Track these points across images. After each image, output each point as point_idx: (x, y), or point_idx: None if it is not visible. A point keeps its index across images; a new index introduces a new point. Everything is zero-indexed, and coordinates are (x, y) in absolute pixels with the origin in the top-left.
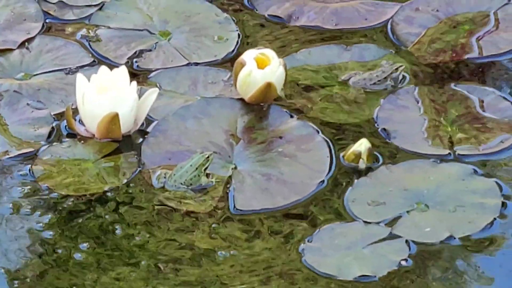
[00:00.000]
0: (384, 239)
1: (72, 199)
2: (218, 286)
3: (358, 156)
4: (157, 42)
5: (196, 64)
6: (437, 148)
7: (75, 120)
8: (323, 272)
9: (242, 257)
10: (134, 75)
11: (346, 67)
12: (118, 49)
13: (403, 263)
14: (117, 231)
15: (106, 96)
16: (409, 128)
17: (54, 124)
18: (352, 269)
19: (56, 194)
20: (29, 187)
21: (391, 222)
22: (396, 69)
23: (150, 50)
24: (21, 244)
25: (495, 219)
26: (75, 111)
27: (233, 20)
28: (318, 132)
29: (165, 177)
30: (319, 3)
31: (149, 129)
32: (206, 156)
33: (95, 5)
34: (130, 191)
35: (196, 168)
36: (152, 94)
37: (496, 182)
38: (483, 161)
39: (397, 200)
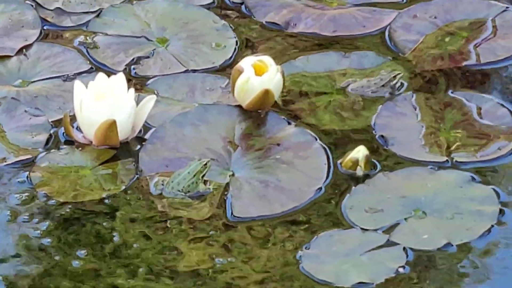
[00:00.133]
0: (381, 246)
1: (69, 206)
2: None
3: (355, 163)
4: (154, 49)
5: (194, 71)
6: (434, 155)
7: (73, 127)
8: (321, 279)
9: (239, 264)
10: (131, 82)
11: (344, 74)
12: (115, 56)
13: (401, 270)
14: (114, 238)
15: (103, 103)
16: (406, 135)
17: (52, 131)
18: (350, 276)
19: (53, 201)
20: (26, 194)
21: (389, 229)
22: (394, 76)
23: (147, 57)
24: (18, 251)
25: (492, 226)
26: (73, 118)
27: (231, 27)
28: (316, 139)
29: (162, 184)
30: (317, 10)
31: (146, 136)
32: (204, 163)
33: (92, 12)
34: (128, 198)
35: (194, 175)
36: (149, 101)
37: (494, 189)
38: (480, 168)
39: (394, 207)
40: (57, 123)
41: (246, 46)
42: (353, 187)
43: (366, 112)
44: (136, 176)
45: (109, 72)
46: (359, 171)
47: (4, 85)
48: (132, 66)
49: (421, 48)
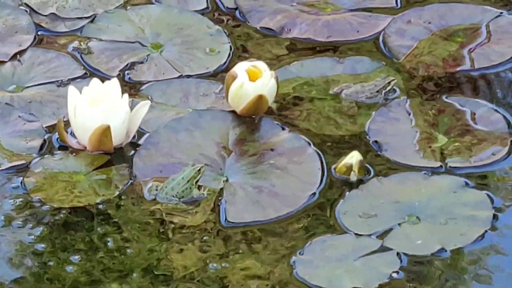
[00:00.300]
0: (375, 252)
1: (64, 212)
2: None
3: (349, 168)
4: (148, 55)
5: (188, 76)
6: (428, 161)
7: (67, 132)
8: (314, 284)
9: (233, 270)
10: (126, 87)
11: (338, 80)
12: (109, 61)
13: (395, 275)
14: (109, 244)
15: (97, 109)
16: (400, 141)
17: (46, 137)
18: (344, 281)
19: (48, 206)
20: (20, 199)
21: (383, 235)
22: (389, 82)
23: (141, 63)
24: (12, 257)
25: (486, 231)
26: (67, 124)
27: (225, 33)
28: (310, 145)
29: (156, 190)
30: (311, 15)
31: (140, 142)
32: (198, 168)
33: (86, 18)
34: (122, 203)
35: (188, 181)
36: (143, 106)
37: (488, 195)
38: (474, 173)
39: (388, 213)
40: (51, 129)
41: (240, 52)
42: (347, 193)
43: (360, 118)
44: (130, 181)
45: (103, 78)
46: (353, 177)
47: None
48: (126, 72)
49: (415, 54)
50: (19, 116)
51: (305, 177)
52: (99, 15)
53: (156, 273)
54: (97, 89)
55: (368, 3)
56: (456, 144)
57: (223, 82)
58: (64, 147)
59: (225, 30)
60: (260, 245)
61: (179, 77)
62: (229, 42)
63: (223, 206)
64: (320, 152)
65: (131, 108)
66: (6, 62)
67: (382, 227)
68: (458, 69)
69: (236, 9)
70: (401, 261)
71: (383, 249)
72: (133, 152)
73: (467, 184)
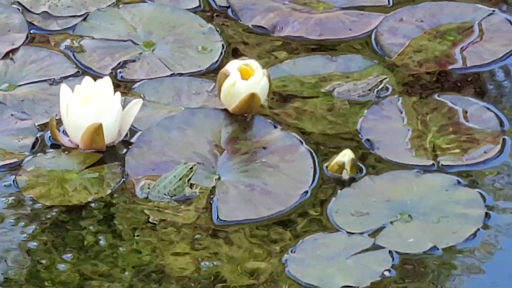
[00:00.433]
0: (367, 250)
1: (56, 210)
2: None
3: (341, 166)
4: (141, 53)
5: (180, 74)
6: (420, 159)
7: (59, 130)
8: (306, 282)
9: (225, 268)
10: (118, 85)
11: (331, 78)
12: (102, 59)
13: (386, 273)
14: (101, 242)
15: (90, 107)
16: (392, 139)
17: (38, 135)
18: (335, 279)
19: (40, 204)
20: (13, 197)
21: (375, 233)
22: (381, 81)
23: (134, 61)
24: (4, 255)
25: (478, 229)
26: (59, 122)
27: (217, 31)
28: (302, 143)
29: (149, 188)
30: (303, 13)
31: (133, 140)
32: (190, 166)
33: (79, 16)
34: (114, 201)
35: (180, 179)
36: (136, 104)
37: (480, 193)
38: (466, 171)
39: (380, 211)
40: (44, 127)
41: (233, 50)
42: (339, 191)
43: (352, 116)
44: (122, 179)
45: (96, 76)
46: (345, 175)
47: None
48: (119, 70)
49: (407, 52)
50: (11, 115)
51: (297, 175)
52: (91, 14)
53: (148, 271)
54: (89, 88)
55: (360, 1)
56: (448, 142)
57: (215, 81)
58: (56, 146)
59: (217, 29)
60: (252, 244)
61: (171, 75)
62: (221, 41)
63: (215, 204)
64: (312, 151)
65: (124, 106)
66: None
67: (374, 225)
68: (450, 67)
69: (228, 7)
70: (393, 259)
71: (375, 247)
72: (125, 150)
73: (459, 182)
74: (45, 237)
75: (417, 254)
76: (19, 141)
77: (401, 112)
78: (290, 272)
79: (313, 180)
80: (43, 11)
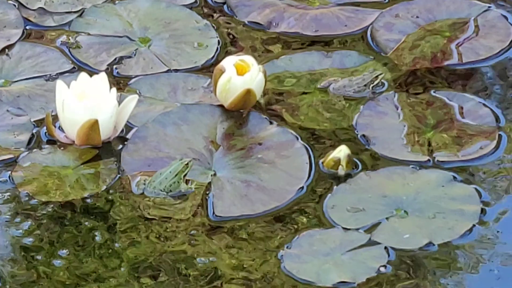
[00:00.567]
0: (363, 246)
1: (52, 206)
2: None
3: (337, 162)
4: (137, 49)
5: (176, 70)
6: (416, 155)
7: (55, 126)
8: (302, 278)
9: (221, 264)
10: (114, 81)
11: (326, 74)
12: (98, 55)
13: (382, 269)
14: (96, 238)
15: (86, 103)
16: (388, 135)
17: (34, 131)
18: (331, 275)
19: (36, 200)
20: (8, 193)
21: (370, 229)
22: (376, 76)
23: (130, 57)
24: (0, 251)
25: (474, 225)
26: (55, 118)
27: (213, 27)
28: (298, 139)
29: (144, 184)
30: (299, 9)
31: (128, 136)
32: (186, 162)
33: (75, 12)
34: (110, 197)
35: (176, 175)
36: (131, 100)
37: (476, 189)
38: (462, 167)
39: (376, 207)
40: (39, 123)
41: (228, 46)
42: (335, 187)
43: (348, 112)
44: (118, 175)
45: (91, 72)
46: (341, 171)
47: None
48: (114, 66)
49: (403, 48)
50: (7, 110)
51: (293, 171)
52: (87, 10)
53: (144, 267)
54: (85, 84)
55: None
56: (444, 138)
57: (211, 77)
58: (52, 141)
59: (213, 25)
60: (248, 240)
61: (167, 71)
62: (217, 37)
63: (211, 200)
64: (308, 146)
65: (119, 102)
66: None
67: (370, 221)
68: (446, 63)
69: (224, 3)
70: (389, 255)
71: (371, 243)
72: (121, 146)
73: (455, 178)
74: (40, 233)
75: (413, 250)
76: (15, 137)
77: (397, 108)
78: (286, 268)
79: (309, 176)
80: (39, 7)
